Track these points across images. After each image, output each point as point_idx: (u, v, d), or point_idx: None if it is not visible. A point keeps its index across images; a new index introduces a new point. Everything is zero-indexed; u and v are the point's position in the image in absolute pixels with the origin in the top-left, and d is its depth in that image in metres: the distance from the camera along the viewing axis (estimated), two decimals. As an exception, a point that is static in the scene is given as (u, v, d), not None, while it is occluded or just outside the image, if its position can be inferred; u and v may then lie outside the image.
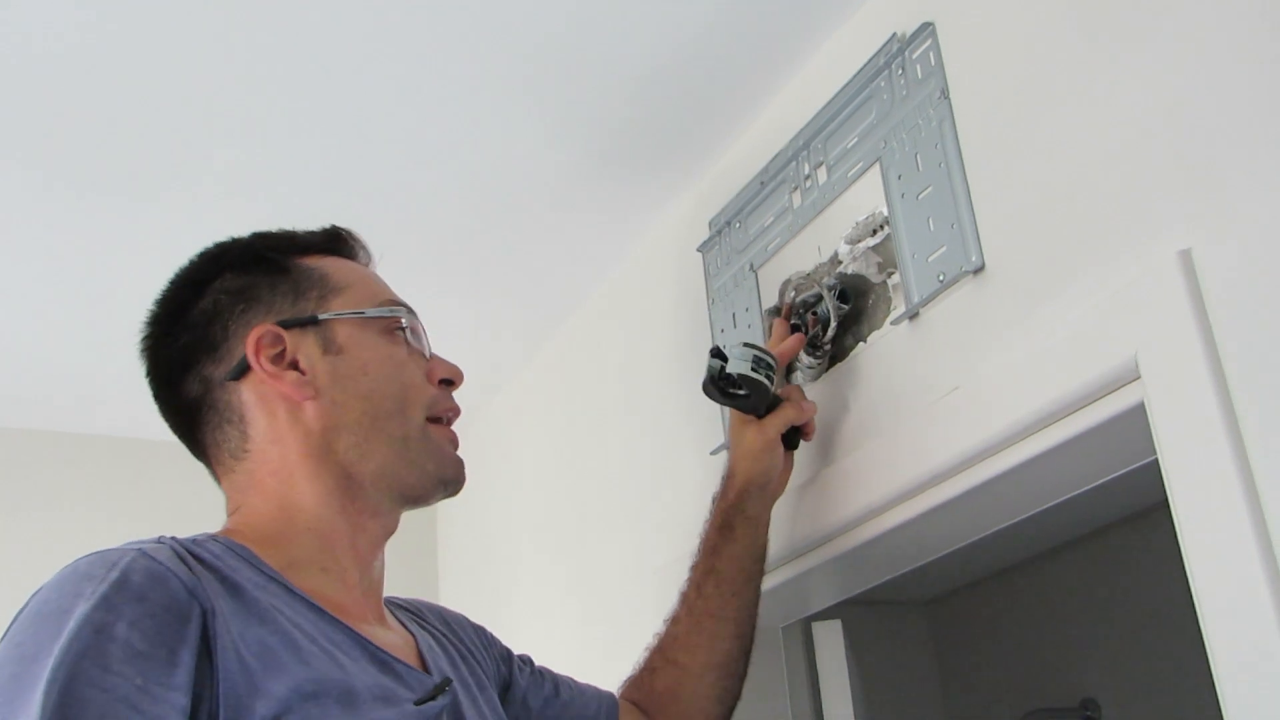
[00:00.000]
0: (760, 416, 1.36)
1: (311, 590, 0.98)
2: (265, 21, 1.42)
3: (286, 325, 1.08)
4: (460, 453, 1.13)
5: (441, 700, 0.98)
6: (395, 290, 1.16)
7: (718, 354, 1.34)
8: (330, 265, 1.14)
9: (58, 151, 1.62)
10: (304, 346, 1.08)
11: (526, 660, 1.29)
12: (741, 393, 1.34)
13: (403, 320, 1.12)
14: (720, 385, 1.34)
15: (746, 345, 1.34)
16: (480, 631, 1.25)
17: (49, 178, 1.67)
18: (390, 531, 1.11)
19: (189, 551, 0.93)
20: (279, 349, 1.07)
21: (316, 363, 1.07)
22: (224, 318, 1.09)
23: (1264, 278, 0.94)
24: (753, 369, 1.32)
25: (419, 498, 1.09)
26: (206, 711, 0.83)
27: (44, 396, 2.31)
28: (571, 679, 1.31)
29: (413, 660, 1.03)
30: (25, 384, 2.26)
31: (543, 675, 1.28)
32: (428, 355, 1.14)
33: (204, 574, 0.90)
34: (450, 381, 1.13)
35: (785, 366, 1.43)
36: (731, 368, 1.33)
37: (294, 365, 1.07)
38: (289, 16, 1.41)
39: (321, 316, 1.09)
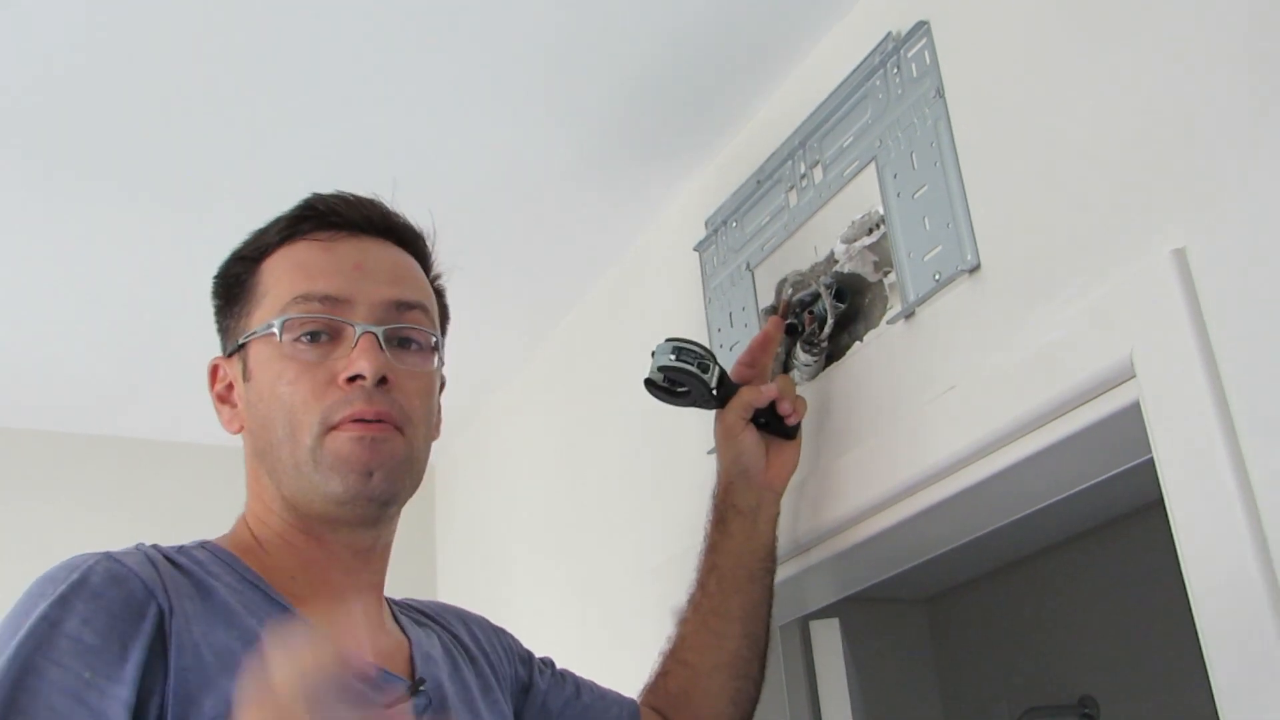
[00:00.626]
0: (722, 407, 1.36)
1: (290, 596, 0.99)
2: (267, 19, 1.42)
3: (229, 354, 1.09)
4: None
5: (415, 702, 0.99)
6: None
7: (653, 357, 1.34)
8: (275, 263, 1.07)
9: (65, 153, 1.62)
10: (236, 375, 1.08)
11: (548, 663, 1.29)
12: (683, 389, 1.34)
13: (277, 332, 1.02)
14: (665, 387, 1.34)
15: (668, 340, 1.33)
16: (500, 634, 1.25)
17: (55, 180, 1.68)
18: (359, 548, 1.05)
19: (166, 557, 0.95)
20: (227, 381, 1.09)
21: (241, 391, 1.07)
22: (222, 348, 1.12)
23: (1258, 276, 0.94)
24: (675, 359, 1.31)
25: (339, 520, 1.02)
26: (157, 705, 0.85)
27: (46, 398, 2.32)
28: (594, 683, 1.30)
29: (399, 667, 1.03)
30: (28, 386, 2.26)
31: (564, 678, 1.28)
32: (354, 344, 1.02)
33: (175, 577, 0.92)
34: (361, 376, 1.00)
35: (771, 357, 1.43)
36: (655, 363, 1.32)
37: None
38: (291, 12, 1.41)
39: (241, 340, 1.07)
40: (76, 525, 2.32)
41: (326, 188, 1.70)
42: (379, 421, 1.01)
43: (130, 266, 1.90)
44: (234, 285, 1.09)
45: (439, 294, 1.16)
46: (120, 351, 2.15)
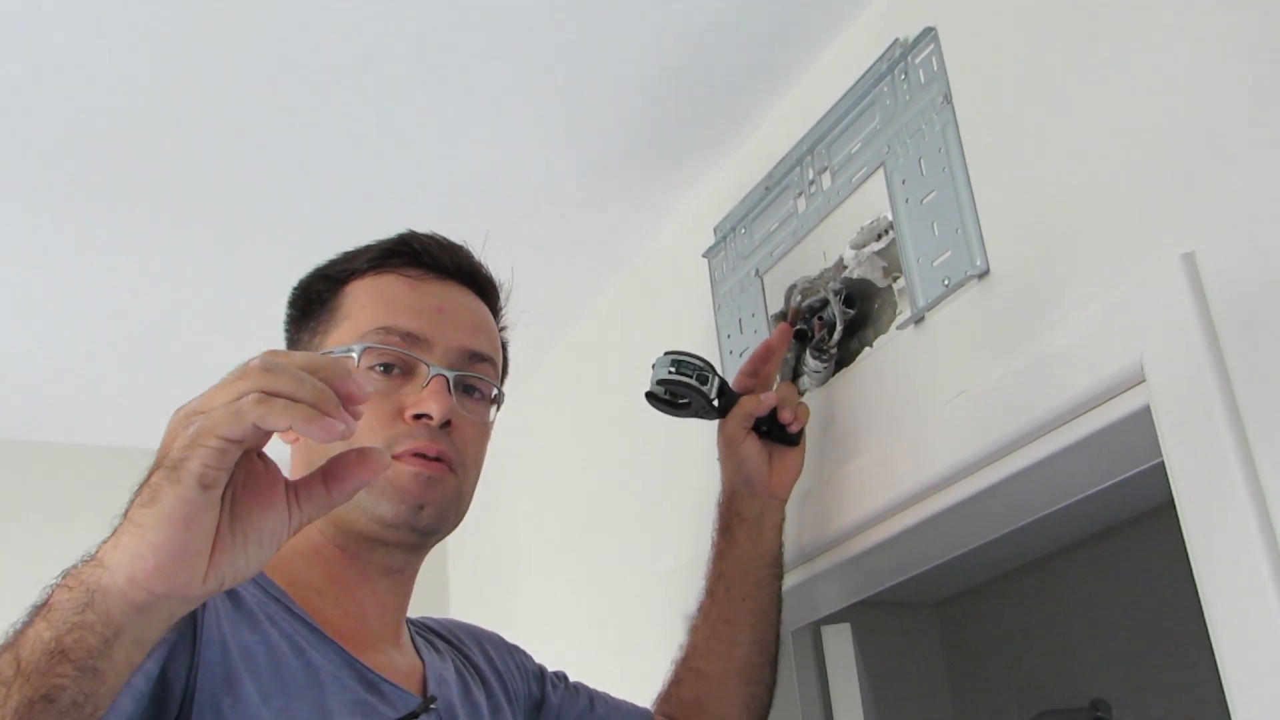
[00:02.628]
0: (724, 417, 1.37)
1: (313, 611, 1.01)
2: (270, 26, 1.42)
3: None
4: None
5: (425, 719, 1.00)
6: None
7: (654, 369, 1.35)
8: (360, 289, 1.11)
9: (70, 170, 1.63)
10: None
11: (561, 677, 1.30)
12: (684, 400, 1.35)
13: (355, 358, 1.05)
14: (667, 400, 1.35)
15: (667, 353, 1.34)
16: (514, 651, 1.26)
17: (58, 195, 1.69)
18: (391, 568, 1.07)
19: None
20: None
21: None
22: None
23: (1267, 280, 0.94)
24: (673, 372, 1.33)
25: (379, 541, 1.05)
26: (180, 689, 0.86)
27: (50, 407, 2.33)
28: (608, 695, 1.31)
29: (412, 686, 1.04)
30: (30, 396, 2.27)
31: (577, 691, 1.29)
32: (425, 383, 1.05)
33: None
34: (428, 416, 1.04)
35: (776, 365, 1.43)
36: (654, 376, 1.34)
37: None
38: (298, 24, 1.42)
39: None
40: (80, 536, 2.33)
41: (331, 192, 1.72)
42: (438, 461, 1.04)
43: (130, 278, 1.91)
44: (314, 301, 1.13)
45: (503, 346, 1.20)
46: (122, 362, 2.16)
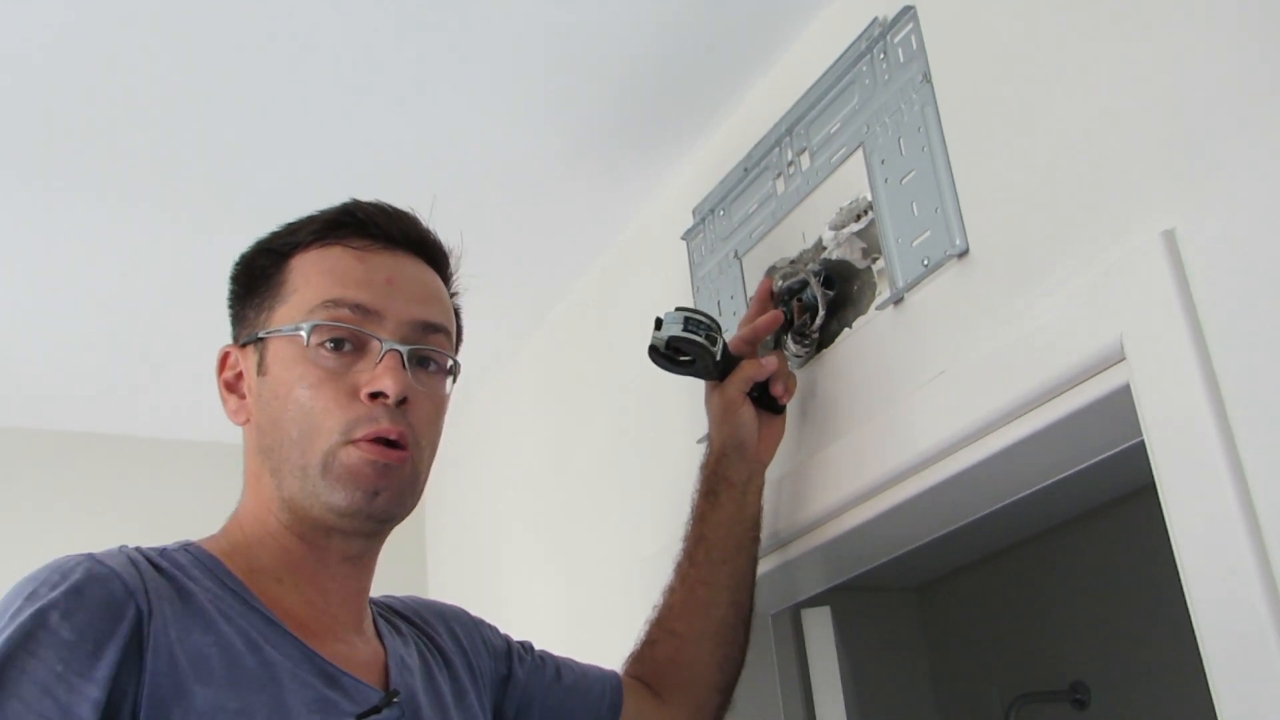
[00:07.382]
0: (721, 379, 1.36)
1: (272, 601, 0.99)
2: (254, 12, 1.41)
3: (244, 344, 1.08)
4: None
5: (388, 713, 0.98)
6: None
7: (659, 324, 1.34)
8: (305, 263, 1.07)
9: (53, 153, 1.61)
10: (248, 366, 1.07)
11: (528, 648, 1.28)
12: (686, 358, 1.34)
13: (304, 336, 1.02)
14: (668, 355, 1.35)
15: (679, 309, 1.33)
16: (479, 627, 1.25)
17: (43, 180, 1.67)
18: (349, 554, 1.05)
19: (149, 560, 0.94)
20: (237, 370, 1.08)
21: (253, 384, 1.06)
22: (233, 335, 1.11)
23: (1247, 257, 0.94)
24: (685, 330, 1.31)
25: (335, 529, 1.02)
26: (129, 707, 0.85)
27: (35, 395, 2.31)
28: (574, 661, 1.30)
29: (373, 677, 1.02)
30: (16, 383, 2.25)
31: (543, 660, 1.28)
32: (379, 359, 1.02)
33: (156, 580, 0.92)
34: (383, 394, 1.01)
35: (759, 340, 1.43)
36: (664, 332, 1.32)
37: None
38: (279, 4, 1.40)
39: (261, 334, 1.06)
40: (62, 522, 2.31)
41: (315, 181, 1.70)
42: (396, 447, 1.01)
43: (116, 266, 1.89)
44: (257, 276, 1.09)
45: (456, 313, 1.17)
46: (107, 349, 2.14)
